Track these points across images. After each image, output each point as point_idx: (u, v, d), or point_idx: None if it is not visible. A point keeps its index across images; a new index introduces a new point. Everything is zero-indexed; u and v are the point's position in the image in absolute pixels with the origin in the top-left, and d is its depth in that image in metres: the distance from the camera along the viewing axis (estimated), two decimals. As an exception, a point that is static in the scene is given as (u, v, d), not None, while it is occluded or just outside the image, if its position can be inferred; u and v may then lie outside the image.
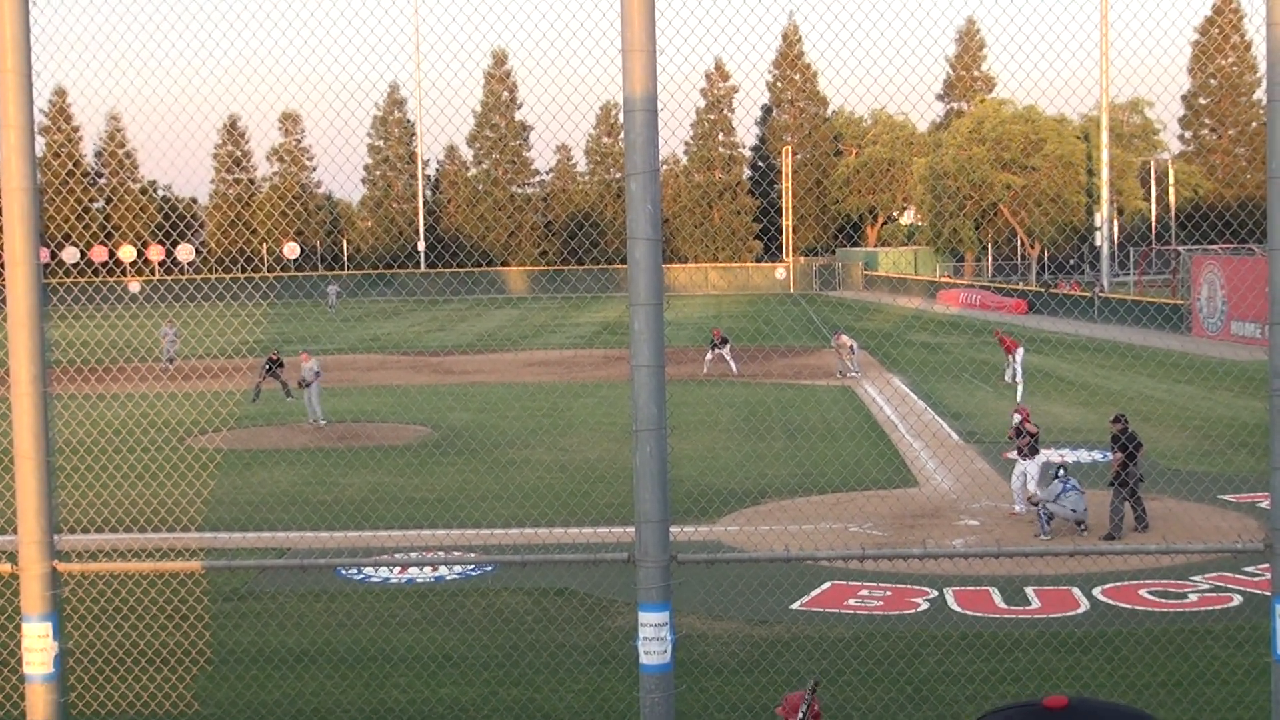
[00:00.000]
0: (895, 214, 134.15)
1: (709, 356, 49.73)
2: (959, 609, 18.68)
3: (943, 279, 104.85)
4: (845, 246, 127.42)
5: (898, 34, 13.03)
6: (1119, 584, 19.50)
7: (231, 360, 49.04)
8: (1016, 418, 25.27)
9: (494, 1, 12.60)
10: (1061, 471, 23.80)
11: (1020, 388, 43.30)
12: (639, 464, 10.61)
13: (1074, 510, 23.21)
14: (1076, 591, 19.19)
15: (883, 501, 25.99)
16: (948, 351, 51.43)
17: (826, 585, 19.54)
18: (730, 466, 29.91)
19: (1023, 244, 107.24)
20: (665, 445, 10.69)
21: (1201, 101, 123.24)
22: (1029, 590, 19.27)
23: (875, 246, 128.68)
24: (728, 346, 49.94)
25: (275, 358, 43.26)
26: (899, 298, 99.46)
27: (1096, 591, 19.15)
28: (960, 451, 31.45)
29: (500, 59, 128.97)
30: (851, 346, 48.78)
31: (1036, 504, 23.51)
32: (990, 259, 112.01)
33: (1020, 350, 45.28)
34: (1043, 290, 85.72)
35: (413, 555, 21.45)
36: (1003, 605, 18.82)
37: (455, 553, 21.62)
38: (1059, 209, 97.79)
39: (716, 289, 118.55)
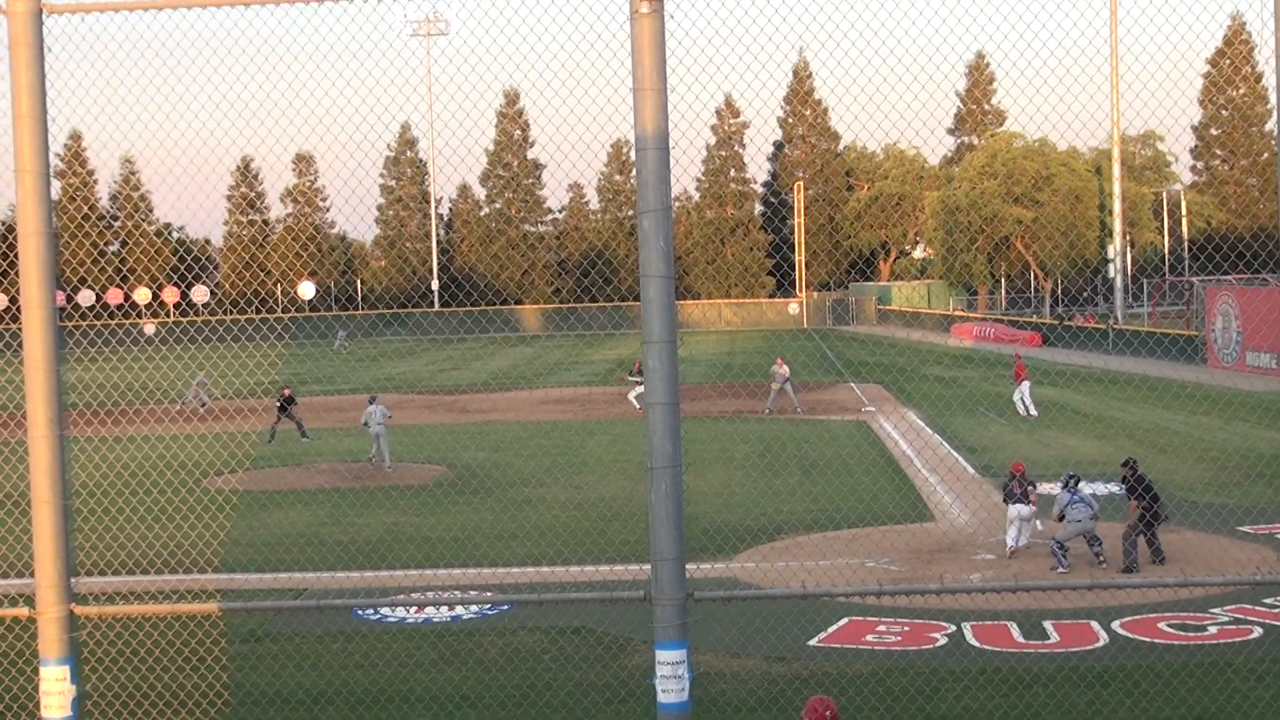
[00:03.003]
0: (908, 248, 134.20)
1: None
2: (977, 644, 18.60)
3: (956, 313, 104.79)
4: (858, 281, 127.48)
5: (908, 69, 13.07)
6: (1138, 617, 19.41)
7: (247, 401, 49.17)
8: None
9: (505, 42, 12.68)
10: (1072, 480, 23.73)
11: (1024, 410, 44.00)
12: (654, 502, 10.61)
13: (1079, 521, 23.14)
14: (1095, 625, 19.11)
15: (899, 536, 25.93)
16: (963, 385, 51.39)
17: (844, 621, 19.47)
18: (746, 503, 29.86)
19: (1036, 277, 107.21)
20: (680, 483, 10.69)
21: (1213, 132, 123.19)
22: (1047, 624, 19.19)
23: (888, 281, 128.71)
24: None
25: (288, 394, 43.37)
26: (913, 332, 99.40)
27: (1115, 625, 19.07)
28: (976, 485, 31.36)
29: (512, 98, 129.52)
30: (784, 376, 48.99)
31: (1059, 543, 23.43)
32: (1004, 292, 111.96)
33: (1027, 383, 45.59)
34: (1057, 323, 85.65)
35: (429, 595, 21.42)
36: (1021, 639, 18.74)
37: (472, 592, 21.59)
38: (1071, 242, 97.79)
39: (730, 325, 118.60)
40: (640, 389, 50.51)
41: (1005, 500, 24.86)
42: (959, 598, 19.13)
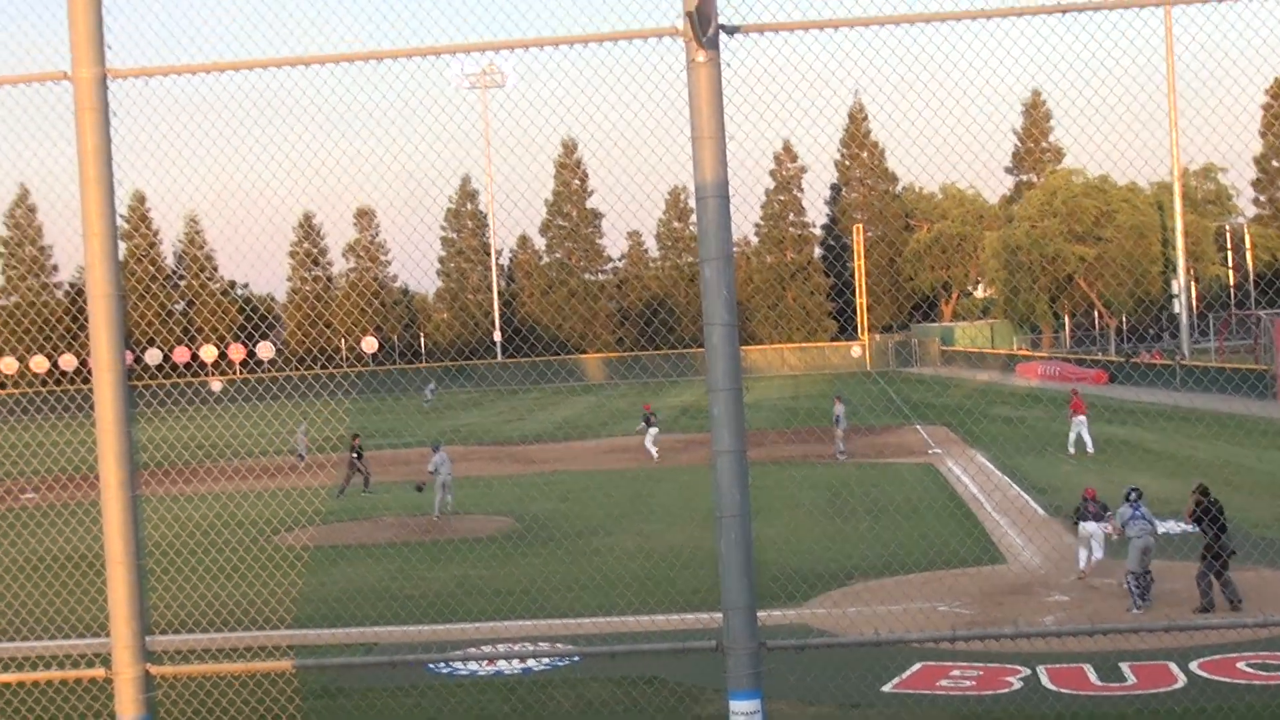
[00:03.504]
0: (970, 288, 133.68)
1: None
2: (1053, 687, 18.39)
3: (1020, 352, 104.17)
4: (921, 322, 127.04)
5: (965, 110, 13.03)
6: (1216, 657, 19.14)
7: (315, 457, 49.44)
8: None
9: (562, 92, 12.72)
10: (1134, 495, 23.58)
11: (1075, 443, 44.01)
12: (724, 551, 10.58)
13: (1139, 538, 22.98)
14: (1173, 666, 18.87)
15: (970, 579, 25.73)
16: (1030, 425, 51.00)
17: (917, 666, 19.31)
18: (815, 548, 29.72)
19: (1100, 315, 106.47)
20: (750, 531, 10.66)
21: (1275, 164, 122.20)
22: (1124, 666, 18.96)
23: (951, 321, 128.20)
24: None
25: (358, 442, 43.81)
26: (977, 372, 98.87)
27: (1194, 665, 18.82)
28: (1046, 526, 31.10)
29: (570, 148, 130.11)
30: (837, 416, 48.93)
31: (1134, 576, 23.22)
32: (1068, 330, 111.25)
33: (1083, 417, 45.73)
34: (1123, 360, 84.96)
35: (500, 648, 21.42)
36: (1098, 682, 18.52)
37: (542, 644, 21.57)
38: (1135, 279, 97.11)
39: (793, 369, 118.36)
40: (651, 432, 51.03)
41: (1076, 520, 25.12)
42: (1033, 640, 18.96)
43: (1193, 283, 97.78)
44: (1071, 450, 45.51)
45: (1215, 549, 22.53)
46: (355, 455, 43.72)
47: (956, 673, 19.23)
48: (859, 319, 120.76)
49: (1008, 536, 30.70)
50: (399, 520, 37.75)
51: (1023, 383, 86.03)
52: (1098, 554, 25.05)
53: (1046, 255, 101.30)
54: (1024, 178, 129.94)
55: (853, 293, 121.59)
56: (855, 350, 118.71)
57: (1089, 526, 25.04)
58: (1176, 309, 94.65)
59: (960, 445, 50.03)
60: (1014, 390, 79.47)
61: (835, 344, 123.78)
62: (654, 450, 51.15)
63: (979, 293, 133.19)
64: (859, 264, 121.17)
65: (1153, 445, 46.24)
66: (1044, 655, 19.21)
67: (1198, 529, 23.20)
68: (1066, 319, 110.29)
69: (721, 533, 10.52)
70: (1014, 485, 38.71)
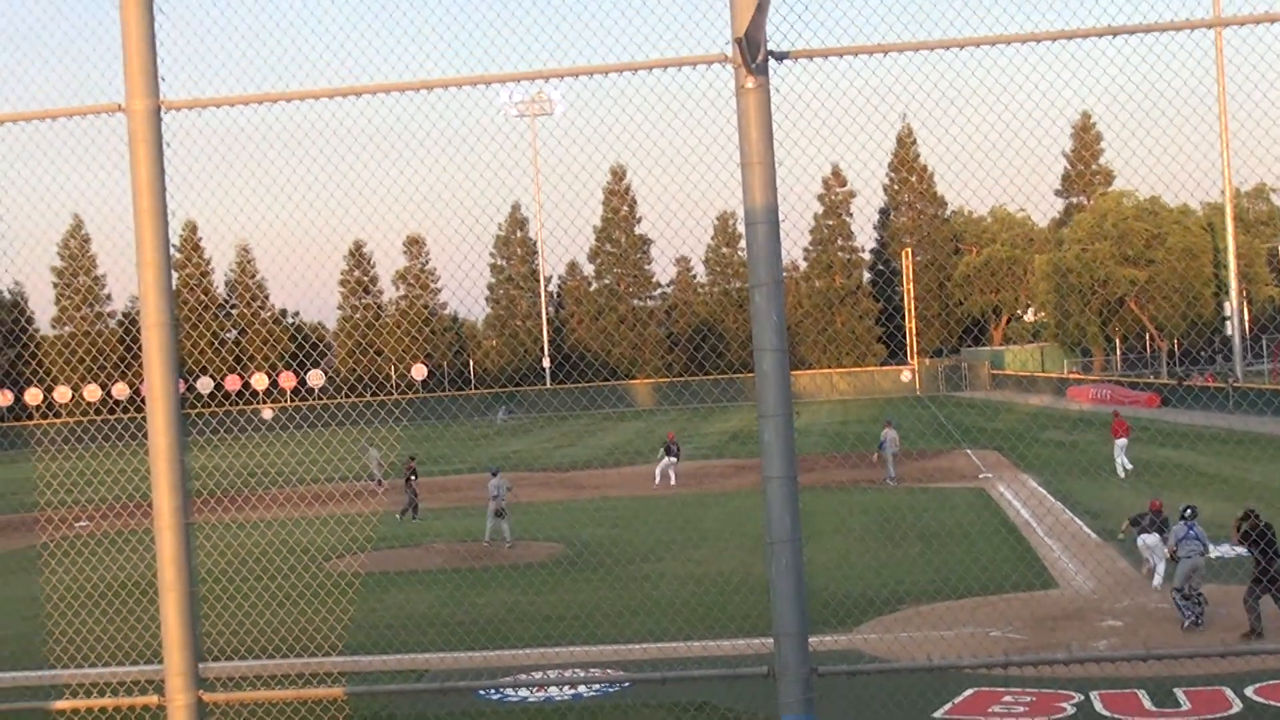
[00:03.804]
0: (1019, 312, 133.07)
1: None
2: (1106, 713, 18.25)
3: (1071, 375, 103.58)
4: (970, 346, 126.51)
5: (1016, 133, 13.00)
6: (1273, 682, 18.95)
7: (366, 484, 49.61)
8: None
9: (611, 120, 12.76)
10: (1189, 512, 23.50)
11: (1121, 470, 44.02)
12: (774, 576, 10.56)
13: (1189, 558, 22.90)
14: (1229, 692, 18.69)
15: (1023, 604, 25.59)
16: (1082, 449, 50.68)
17: (969, 692, 19.21)
18: (866, 573, 29.61)
19: (1152, 337, 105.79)
20: (801, 556, 10.64)
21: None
22: (1178, 691, 18.79)
23: (1001, 345, 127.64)
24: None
25: (413, 466, 44.10)
26: (1028, 396, 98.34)
27: (1249, 691, 18.64)
28: (1099, 550, 30.91)
29: (619, 175, 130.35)
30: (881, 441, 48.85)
31: (1178, 593, 23.11)
32: (1119, 353, 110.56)
33: (1124, 440, 46.30)
34: (1175, 383, 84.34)
35: (550, 674, 21.41)
36: (1152, 708, 18.36)
37: (593, 670, 21.55)
38: (1187, 301, 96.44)
39: (842, 394, 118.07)
40: (665, 460, 51.17)
41: (1135, 528, 25.39)
42: (1086, 665, 18.82)
43: (1245, 305, 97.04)
44: (1121, 474, 45.55)
45: (1268, 571, 22.34)
46: (409, 478, 43.99)
47: (1009, 699, 19.11)
48: (908, 343, 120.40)
49: (1060, 561, 30.51)
50: (449, 546, 37.83)
51: (1074, 406, 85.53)
52: (1158, 565, 25.27)
53: (1097, 278, 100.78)
54: (1074, 200, 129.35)
55: (902, 317, 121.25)
56: (905, 375, 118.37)
57: (1149, 539, 25.19)
58: (1229, 331, 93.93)
59: (1011, 469, 49.79)
60: (1065, 414, 79.03)
61: (884, 368, 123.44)
62: (663, 477, 51.40)
63: (1029, 316, 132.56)
64: (908, 288, 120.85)
65: (1206, 468, 45.87)
66: (1097, 680, 19.07)
67: (1247, 551, 23.05)
68: (1118, 342, 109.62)
69: (772, 558, 10.50)
70: (1066, 509, 38.48)
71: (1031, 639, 22.99)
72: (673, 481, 51.27)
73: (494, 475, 37.87)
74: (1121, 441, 46.51)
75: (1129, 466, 46.02)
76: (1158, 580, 25.60)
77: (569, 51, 12.18)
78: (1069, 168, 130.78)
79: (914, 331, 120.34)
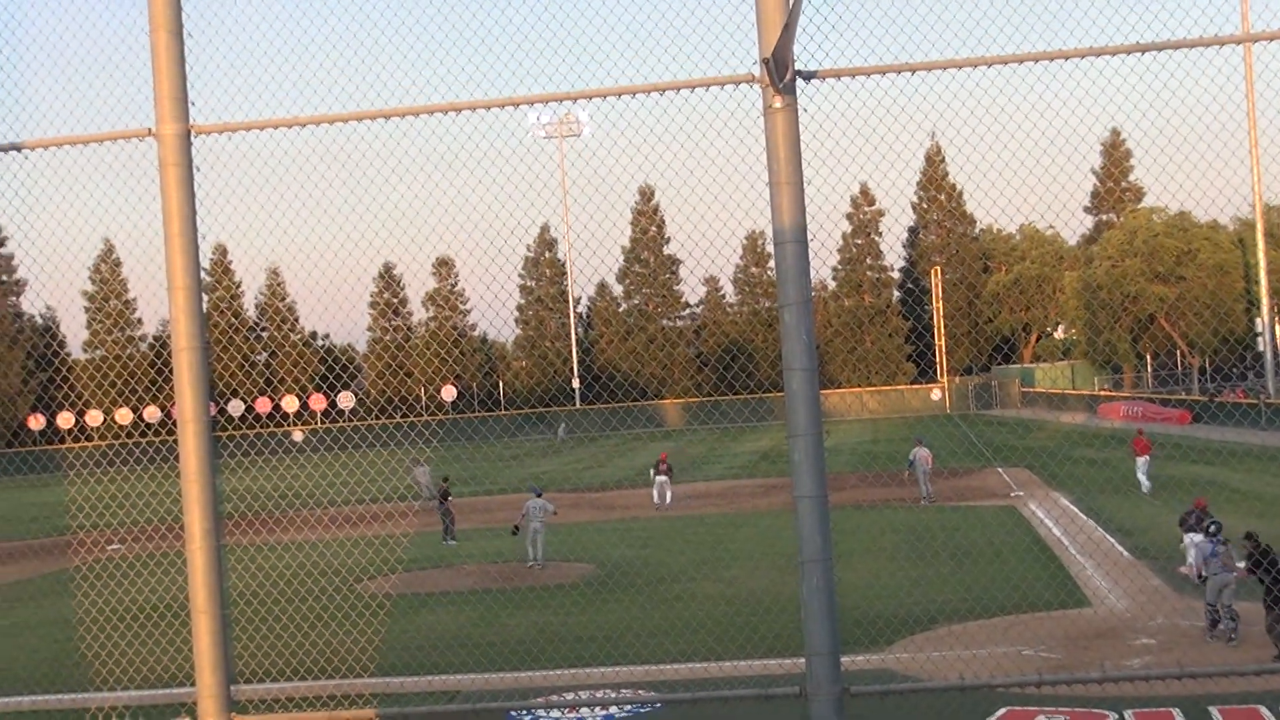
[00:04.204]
0: (1049, 329, 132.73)
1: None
2: (1141, 732, 18.14)
3: (1102, 393, 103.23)
4: (1000, 364, 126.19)
5: (1044, 150, 12.99)
6: (1309, 700, 18.81)
7: (397, 505, 49.67)
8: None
9: (640, 140, 12.80)
10: (1213, 527, 23.43)
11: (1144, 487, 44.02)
12: (806, 596, 10.54)
13: (1216, 575, 22.84)
14: (1265, 710, 18.54)
15: (1056, 623, 25.46)
16: (1113, 467, 50.44)
17: (1002, 711, 19.11)
18: (898, 592, 29.50)
19: (1183, 354, 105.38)
20: (832, 576, 10.62)
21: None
22: (1213, 710, 18.66)
23: (1031, 363, 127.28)
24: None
25: (445, 487, 44.15)
26: (1059, 414, 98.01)
27: (1285, 710, 18.50)
28: (1132, 568, 30.75)
29: (647, 195, 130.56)
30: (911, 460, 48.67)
31: (1209, 608, 23.03)
32: (1150, 370, 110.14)
33: (1146, 458, 46.57)
34: (1207, 400, 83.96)
35: (581, 695, 21.39)
36: (1187, 726, 18.25)
37: (624, 691, 21.52)
38: (1218, 317, 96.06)
39: (872, 413, 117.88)
40: (659, 480, 51.21)
41: (1181, 527, 25.55)
42: (1120, 684, 18.70)
43: (1277, 321, 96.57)
44: (1146, 487, 45.84)
45: (1271, 592, 22.19)
46: (442, 499, 44.02)
47: (1042, 718, 19.00)
48: (938, 362, 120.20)
49: (1093, 579, 30.36)
50: (479, 567, 37.83)
51: (1105, 424, 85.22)
52: (1196, 562, 25.49)
53: (1128, 295, 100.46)
54: (1104, 217, 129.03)
55: (932, 335, 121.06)
56: (935, 393, 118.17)
57: (1195, 537, 25.41)
58: (1261, 347, 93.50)
59: (1043, 487, 49.60)
60: (1096, 431, 78.74)
61: (914, 387, 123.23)
62: (659, 497, 51.42)
63: (1059, 334, 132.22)
64: (937, 306, 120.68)
65: (1239, 485, 45.63)
66: (1131, 699, 18.96)
67: (1256, 579, 22.91)
68: (1148, 359, 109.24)
69: (804, 578, 10.49)
70: (1098, 527, 38.32)
71: (1065, 657, 22.88)
72: (668, 501, 51.29)
73: (537, 496, 37.84)
74: (1143, 459, 46.58)
75: (1148, 484, 46.20)
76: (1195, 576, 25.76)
77: (596, 73, 12.23)
78: (1098, 185, 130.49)
79: (944, 350, 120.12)
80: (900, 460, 56.10)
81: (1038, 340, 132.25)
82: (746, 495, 54.10)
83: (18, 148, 12.78)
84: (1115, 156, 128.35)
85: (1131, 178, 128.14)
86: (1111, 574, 30.26)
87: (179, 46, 11.77)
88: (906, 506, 46.45)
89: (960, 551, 35.15)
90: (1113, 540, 35.82)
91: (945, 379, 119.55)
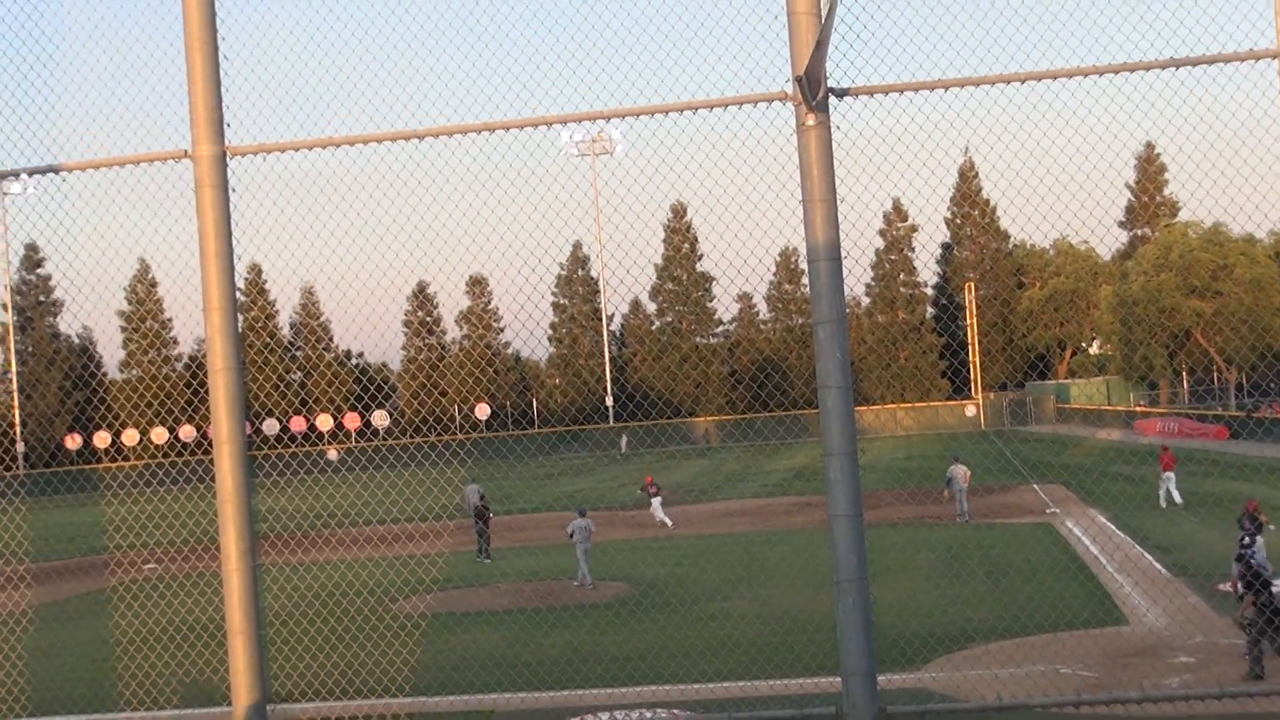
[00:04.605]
0: (1084, 345, 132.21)
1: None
2: (1181, 751, 17.99)
3: (1138, 408, 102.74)
4: (1035, 380, 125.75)
5: (1079, 167, 12.94)
6: (1350, 719, 18.64)
7: (432, 525, 49.71)
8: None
9: (673, 158, 12.79)
10: (1247, 540, 23.29)
11: (1165, 498, 45.90)
12: (842, 615, 10.50)
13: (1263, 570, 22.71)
14: (1305, 729, 18.40)
15: (1093, 641, 25.29)
16: (1150, 483, 50.14)
17: (1040, 730, 18.98)
18: (933, 610, 29.37)
19: (1219, 369, 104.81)
20: (868, 595, 10.58)
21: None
22: (1254, 729, 18.52)
23: (1066, 379, 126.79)
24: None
25: (483, 504, 44.17)
26: (1094, 430, 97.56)
27: (1327, 727, 18.33)
28: (1170, 586, 30.56)
29: (680, 212, 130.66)
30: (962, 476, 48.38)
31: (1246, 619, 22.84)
32: (1186, 386, 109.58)
33: (1171, 473, 47.06)
34: (1244, 415, 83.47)
35: (618, 714, 21.34)
36: (1227, 745, 18.09)
37: (659, 710, 21.47)
38: (1255, 332, 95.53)
39: (906, 430, 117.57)
40: (655, 502, 51.07)
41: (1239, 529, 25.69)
42: (1159, 704, 18.58)
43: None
44: (1164, 504, 46.38)
45: (1268, 614, 22.00)
46: (479, 517, 44.12)
47: (1081, 737, 18.88)
48: (972, 378, 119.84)
49: (1130, 597, 30.17)
50: (514, 586, 37.84)
51: (1142, 439, 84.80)
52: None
53: (1163, 310, 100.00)
54: (1138, 232, 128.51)
55: (966, 351, 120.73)
56: (969, 409, 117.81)
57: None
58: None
59: (1079, 504, 49.37)
60: (1133, 447, 78.35)
61: (949, 403, 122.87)
62: (663, 519, 51.41)
63: (1094, 349, 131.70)
64: (971, 322, 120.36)
65: (1278, 501, 45.34)
66: (1170, 719, 18.82)
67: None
68: (1184, 374, 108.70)
69: (840, 597, 10.45)
70: (1135, 544, 38.09)
71: (1103, 676, 22.73)
72: (658, 519, 51.31)
73: (581, 515, 37.91)
74: (1169, 474, 46.82)
75: (1179, 500, 46.43)
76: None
77: (629, 91, 12.22)
78: (1133, 199, 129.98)
79: (978, 366, 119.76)
80: (935, 477, 55.92)
81: (1072, 356, 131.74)
82: (780, 513, 53.99)
83: (56, 170, 12.86)
84: (1150, 171, 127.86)
85: (1166, 192, 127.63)
86: (1149, 592, 30.07)
87: (215, 69, 11.83)
88: (941, 524, 46.28)
89: (996, 569, 34.99)
90: (1150, 558, 35.61)
91: (980, 395, 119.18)
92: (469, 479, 56.85)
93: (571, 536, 37.30)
